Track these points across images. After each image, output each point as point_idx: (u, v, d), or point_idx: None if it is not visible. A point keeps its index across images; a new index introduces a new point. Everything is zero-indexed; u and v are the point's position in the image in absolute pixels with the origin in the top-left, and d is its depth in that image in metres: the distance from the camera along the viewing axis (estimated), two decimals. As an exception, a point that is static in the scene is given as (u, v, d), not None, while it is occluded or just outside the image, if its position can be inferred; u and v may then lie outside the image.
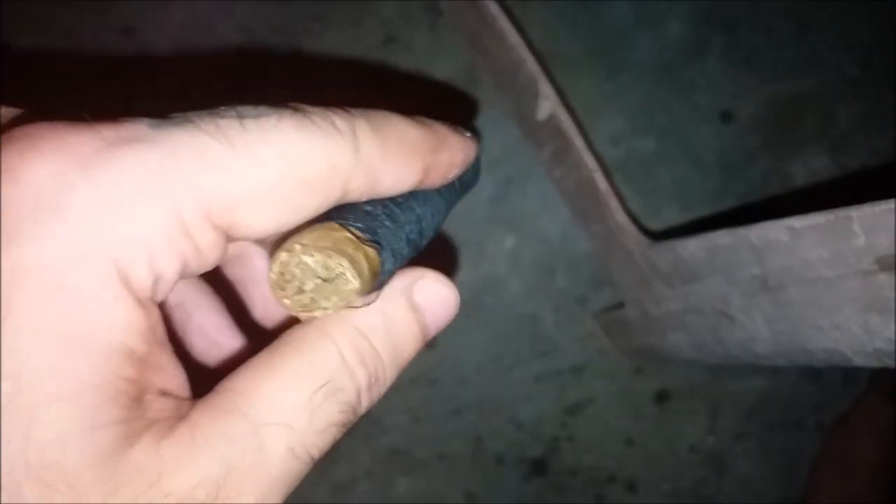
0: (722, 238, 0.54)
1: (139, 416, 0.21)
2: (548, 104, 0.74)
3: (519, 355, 0.83)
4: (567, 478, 0.83)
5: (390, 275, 0.26)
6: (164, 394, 0.22)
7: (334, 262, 0.23)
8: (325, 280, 0.23)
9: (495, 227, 0.83)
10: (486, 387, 0.83)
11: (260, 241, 0.30)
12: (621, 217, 0.70)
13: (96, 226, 0.20)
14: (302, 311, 0.24)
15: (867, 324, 0.44)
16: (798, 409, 0.85)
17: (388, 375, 0.26)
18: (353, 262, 0.23)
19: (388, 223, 0.26)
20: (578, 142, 0.72)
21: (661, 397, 0.84)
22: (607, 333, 0.83)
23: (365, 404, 0.25)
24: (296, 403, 0.23)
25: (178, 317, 0.31)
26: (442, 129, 0.28)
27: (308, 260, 0.23)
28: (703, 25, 0.88)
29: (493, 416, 0.83)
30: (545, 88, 0.73)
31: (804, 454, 0.84)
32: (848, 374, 0.85)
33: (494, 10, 0.74)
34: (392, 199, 0.27)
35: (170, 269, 0.22)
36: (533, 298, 0.84)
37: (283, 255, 0.23)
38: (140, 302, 0.21)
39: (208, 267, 0.24)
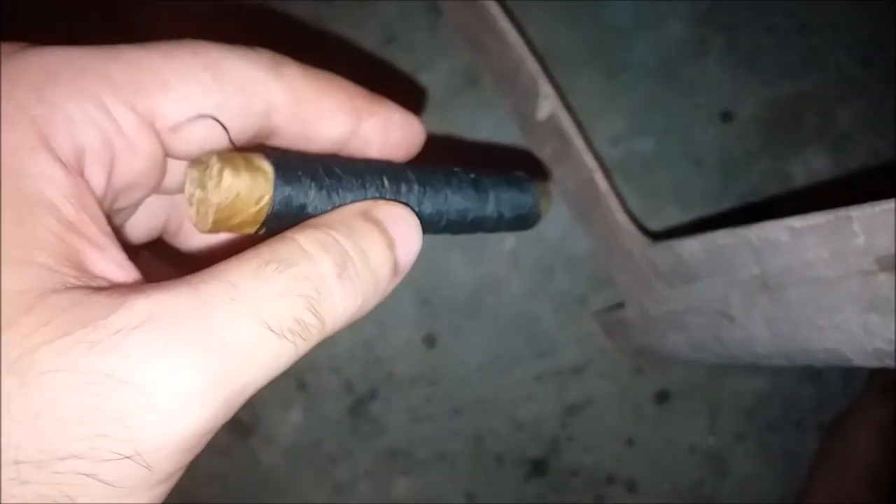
0: (722, 238, 0.54)
1: (68, 273, 0.21)
2: (548, 104, 0.74)
3: (519, 355, 0.83)
4: (567, 478, 0.83)
5: (312, 205, 0.26)
6: (107, 280, 0.22)
7: (208, 158, 0.24)
8: (207, 184, 0.24)
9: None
10: (487, 387, 0.83)
11: None
12: (621, 217, 0.70)
13: (14, 101, 0.22)
14: (206, 221, 0.24)
15: (867, 324, 0.44)
16: (798, 409, 0.85)
17: (362, 274, 0.25)
18: (226, 159, 0.24)
19: (316, 167, 0.26)
20: (578, 142, 0.73)
21: (662, 397, 0.84)
22: (607, 333, 0.83)
23: (337, 295, 0.24)
24: (242, 272, 0.22)
25: (173, 219, 0.31)
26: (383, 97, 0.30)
27: (195, 171, 0.25)
28: (704, 25, 0.88)
29: (493, 416, 0.83)
30: (545, 88, 0.73)
31: (804, 454, 0.84)
32: (848, 374, 0.85)
33: (494, 10, 0.74)
34: (350, 161, 0.28)
35: (91, 141, 0.23)
36: (533, 298, 0.84)
37: (187, 182, 0.25)
38: (62, 164, 0.22)
39: (145, 163, 0.25)
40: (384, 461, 0.82)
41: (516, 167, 0.34)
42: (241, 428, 0.80)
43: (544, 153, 0.80)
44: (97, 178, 0.23)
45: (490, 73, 0.84)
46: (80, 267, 0.21)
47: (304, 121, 0.27)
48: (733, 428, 0.85)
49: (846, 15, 0.89)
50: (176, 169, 0.27)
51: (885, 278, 0.42)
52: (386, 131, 0.30)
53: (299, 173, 0.25)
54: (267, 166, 0.24)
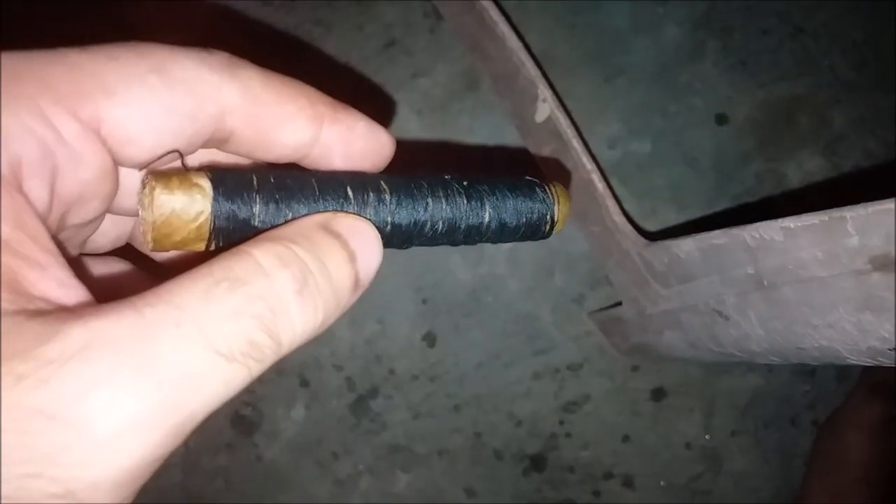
0: (717, 238, 0.54)
1: (2, 297, 0.20)
2: (546, 107, 0.74)
3: (517, 353, 0.84)
4: (564, 473, 0.84)
5: (259, 218, 0.25)
6: (47, 301, 0.21)
7: (147, 178, 0.24)
8: (144, 202, 0.24)
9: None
10: (486, 384, 0.83)
11: None
12: (618, 217, 0.71)
13: None
14: (147, 239, 0.24)
15: (861, 322, 0.44)
16: (792, 406, 0.86)
17: (323, 289, 0.24)
18: (160, 178, 0.23)
19: (266, 179, 0.25)
20: (576, 144, 0.73)
21: (658, 394, 0.85)
22: (604, 332, 0.83)
23: (295, 312, 0.23)
24: (190, 293, 0.21)
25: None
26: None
27: (141, 190, 0.24)
28: (699, 29, 0.88)
29: (492, 413, 0.83)
30: (544, 91, 0.74)
31: (798, 451, 0.85)
32: (841, 372, 0.85)
33: (494, 14, 0.75)
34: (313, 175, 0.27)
35: (29, 153, 0.21)
36: (531, 297, 0.84)
37: (138, 201, 0.24)
38: None
39: (92, 173, 0.24)
40: (385, 457, 0.82)
41: (518, 169, 0.33)
42: (245, 424, 0.81)
43: (542, 155, 0.80)
44: (38, 192, 0.22)
45: (489, 77, 0.84)
46: (17, 289, 0.20)
47: (261, 125, 0.26)
48: (728, 424, 0.85)
49: (840, 19, 0.89)
50: (135, 188, 0.26)
51: (878, 278, 0.42)
52: (349, 140, 0.29)
53: (243, 187, 0.25)
54: (204, 182, 0.24)
